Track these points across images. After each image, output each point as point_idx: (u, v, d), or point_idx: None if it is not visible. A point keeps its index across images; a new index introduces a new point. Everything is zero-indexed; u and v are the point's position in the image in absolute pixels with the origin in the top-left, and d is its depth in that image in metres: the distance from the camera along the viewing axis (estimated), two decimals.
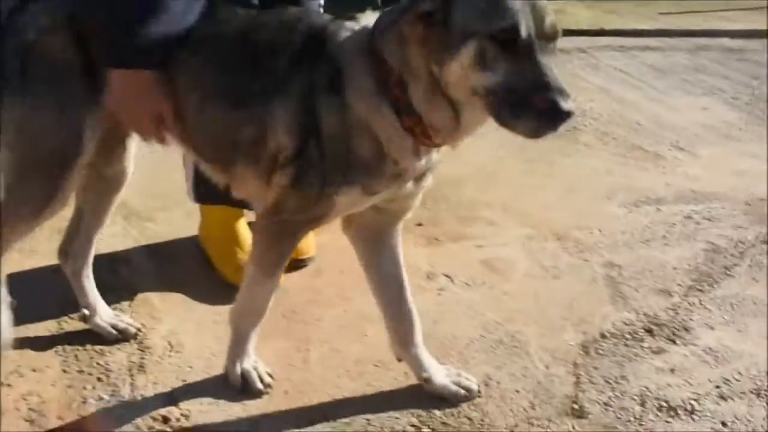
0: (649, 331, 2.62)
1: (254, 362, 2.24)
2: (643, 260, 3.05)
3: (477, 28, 1.66)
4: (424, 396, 2.24)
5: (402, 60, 1.78)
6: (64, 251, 2.45)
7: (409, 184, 1.99)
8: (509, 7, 1.66)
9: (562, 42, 5.52)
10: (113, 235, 2.98)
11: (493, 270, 2.93)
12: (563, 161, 3.97)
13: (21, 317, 2.44)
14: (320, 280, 2.81)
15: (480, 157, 3.94)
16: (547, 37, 1.71)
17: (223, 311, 2.55)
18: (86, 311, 2.45)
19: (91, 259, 2.46)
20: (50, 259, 2.77)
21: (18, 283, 2.64)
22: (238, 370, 2.21)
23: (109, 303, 2.50)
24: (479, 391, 2.27)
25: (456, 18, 1.69)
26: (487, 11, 1.67)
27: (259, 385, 2.21)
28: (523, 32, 1.65)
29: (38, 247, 2.89)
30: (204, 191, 2.66)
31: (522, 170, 3.84)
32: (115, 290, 2.62)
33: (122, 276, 2.75)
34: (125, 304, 2.60)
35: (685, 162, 4.04)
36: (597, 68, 5.58)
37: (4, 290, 2.22)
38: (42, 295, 2.61)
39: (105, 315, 2.44)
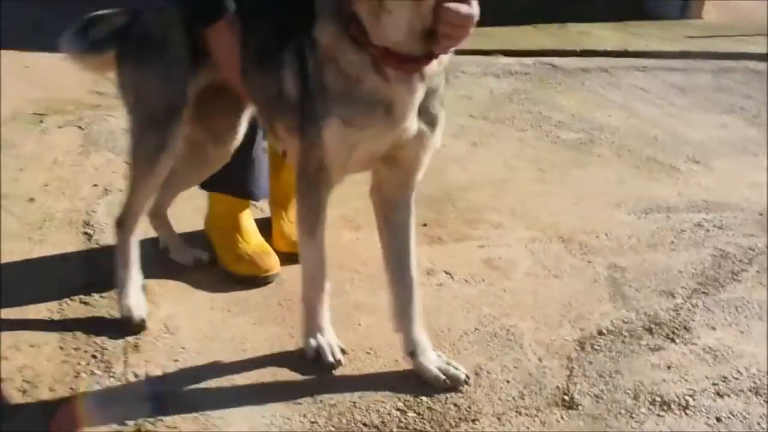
0: (648, 330, 2.61)
1: (330, 337, 2.31)
2: (648, 263, 3.04)
3: None
4: (412, 382, 2.25)
5: None
6: None
7: (404, 125, 2.02)
8: None
9: (584, 62, 5.65)
10: None
11: (494, 268, 2.93)
12: (576, 171, 3.97)
13: (25, 298, 2.54)
14: None
15: (492, 165, 3.98)
16: None
17: (220, 298, 2.62)
18: (164, 244, 2.86)
19: (169, 206, 2.84)
20: (59, 248, 2.87)
21: (26, 267, 2.77)
22: (313, 343, 2.29)
23: (109, 288, 2.57)
24: (466, 382, 2.26)
25: None
26: None
27: (331, 359, 2.27)
28: None
29: (49, 237, 2.99)
30: (211, 180, 2.77)
31: (533, 179, 3.85)
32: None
33: None
34: None
35: (700, 174, 4.02)
36: (618, 86, 5.58)
37: (137, 270, 2.53)
38: (47, 279, 2.68)
39: (182, 246, 2.85)
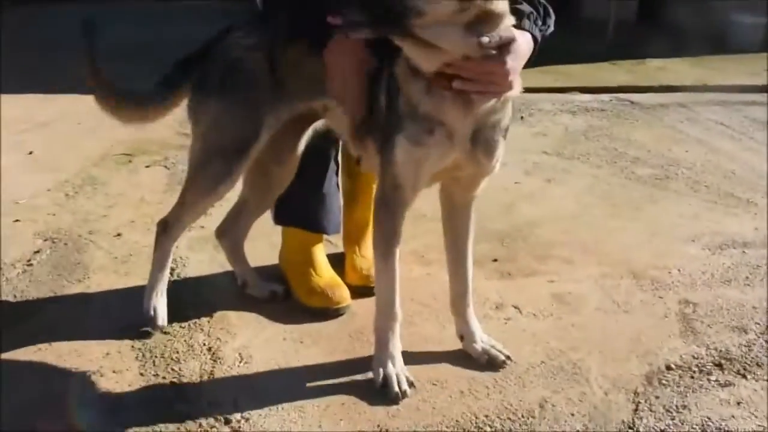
0: (719, 365, 2.57)
1: (399, 368, 2.40)
2: (721, 299, 2.99)
3: None
4: (477, 413, 2.28)
5: None
6: (221, 230, 2.97)
7: (462, 144, 2.19)
8: None
9: (662, 97, 5.63)
10: (201, 261, 3.20)
11: (563, 303, 2.95)
12: (650, 207, 3.95)
13: (111, 327, 2.69)
14: None
15: (565, 201, 3.99)
16: None
17: (293, 330, 2.71)
18: (242, 280, 2.96)
19: (244, 240, 2.98)
20: (142, 280, 3.00)
21: (112, 297, 2.93)
22: (382, 372, 2.38)
23: (189, 318, 2.72)
24: (505, 363, 2.50)
25: None
26: None
27: (396, 389, 2.35)
28: None
29: (134, 270, 3.15)
30: (283, 214, 2.90)
31: (606, 215, 3.84)
32: (197, 307, 2.81)
33: (204, 296, 2.94)
34: (204, 320, 2.77)
35: None
36: (696, 121, 5.52)
37: (167, 274, 2.76)
38: (132, 309, 2.81)
39: (257, 281, 2.95)
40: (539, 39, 2.27)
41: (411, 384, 2.38)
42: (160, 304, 2.69)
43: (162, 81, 2.61)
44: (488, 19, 2.03)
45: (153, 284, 2.71)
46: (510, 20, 2.12)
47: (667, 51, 7.38)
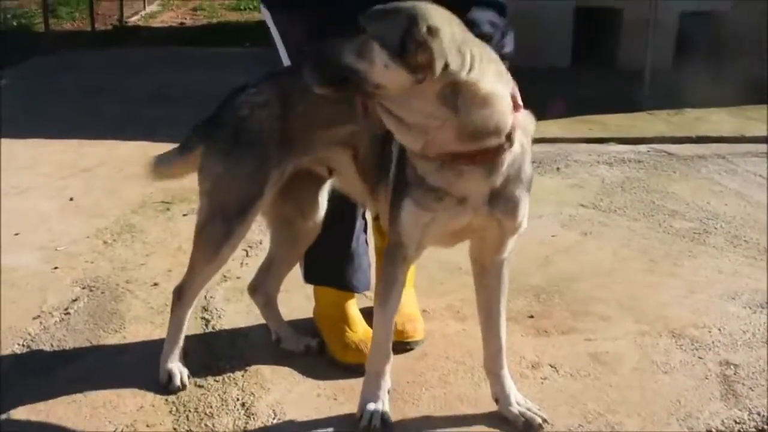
0: (762, 431, 2.51)
1: (382, 409, 2.43)
2: (763, 361, 2.93)
3: None
4: None
5: None
6: (253, 286, 2.97)
7: (478, 209, 2.15)
8: None
9: (700, 148, 5.56)
10: (237, 312, 3.21)
11: (601, 363, 2.90)
12: (688, 262, 3.89)
13: (144, 379, 2.70)
14: (424, 364, 2.87)
15: (601, 255, 3.95)
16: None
17: (327, 386, 2.70)
18: (276, 335, 2.95)
19: (276, 295, 2.98)
20: None
21: (147, 348, 2.94)
22: (370, 407, 2.42)
23: (224, 371, 2.73)
24: (542, 426, 2.44)
25: None
26: None
27: (368, 425, 2.39)
28: None
29: (166, 322, 3.14)
30: (312, 273, 2.93)
31: (643, 269, 3.79)
32: (231, 360, 2.82)
33: (239, 348, 2.95)
34: (238, 373, 2.77)
35: None
36: (735, 173, 5.46)
37: (182, 339, 2.73)
38: None
39: (292, 336, 2.95)
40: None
41: (387, 424, 2.41)
42: (175, 367, 2.68)
43: (181, 143, 2.68)
44: (464, 89, 1.95)
45: (167, 350, 2.70)
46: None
47: (704, 100, 7.32)
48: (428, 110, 1.95)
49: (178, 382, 2.64)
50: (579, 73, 8.49)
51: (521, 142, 2.12)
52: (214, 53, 10.67)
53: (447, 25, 1.93)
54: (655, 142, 6.25)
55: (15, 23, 12.70)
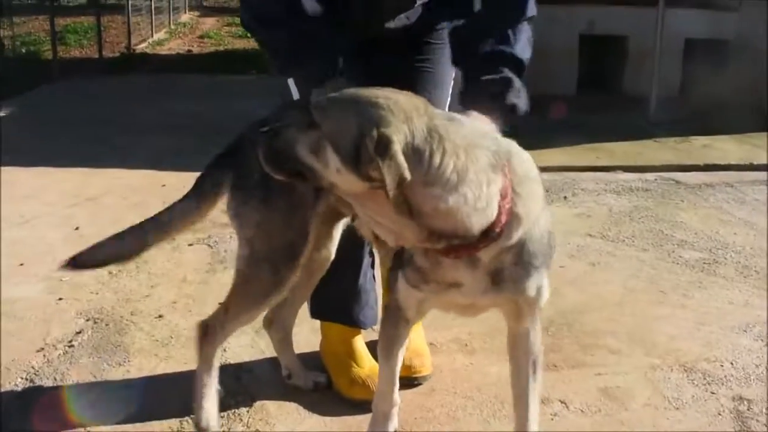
0: None
1: None
2: None
3: None
4: None
5: None
6: (268, 319, 2.88)
7: (477, 292, 1.95)
8: None
9: (708, 176, 5.52)
10: (241, 346, 3.17)
11: (611, 398, 2.86)
12: (698, 293, 3.85)
13: (149, 414, 2.67)
14: (432, 399, 2.83)
15: (609, 287, 3.91)
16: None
17: (333, 422, 2.67)
18: (287, 370, 2.90)
19: (292, 329, 2.91)
20: (182, 365, 3.00)
21: (151, 382, 2.91)
22: None
23: (228, 407, 2.68)
24: None
25: None
26: None
27: None
28: None
29: (174, 354, 3.13)
30: (319, 308, 2.91)
31: (652, 301, 3.75)
32: (236, 395, 2.78)
33: (244, 383, 2.91)
34: (243, 409, 2.74)
35: None
36: (743, 202, 5.42)
37: (216, 381, 2.55)
38: (169, 395, 2.80)
39: (302, 372, 2.89)
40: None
41: None
42: (211, 411, 2.50)
43: (197, 186, 2.56)
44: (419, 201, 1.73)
45: (200, 394, 2.50)
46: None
47: (711, 128, 7.31)
48: (386, 213, 1.75)
49: (214, 429, 2.50)
50: (585, 100, 8.49)
51: (517, 234, 1.86)
52: (221, 81, 10.73)
53: (405, 127, 1.69)
54: (663, 170, 6.23)
55: (23, 50, 12.78)
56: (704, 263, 4.25)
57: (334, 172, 1.73)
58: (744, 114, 7.39)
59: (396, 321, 2.19)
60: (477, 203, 1.74)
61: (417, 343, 2.95)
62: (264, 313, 2.86)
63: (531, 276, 1.96)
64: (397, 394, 2.34)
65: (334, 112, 1.75)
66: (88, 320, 3.45)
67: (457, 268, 1.91)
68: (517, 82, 2.22)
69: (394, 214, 1.73)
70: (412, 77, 2.62)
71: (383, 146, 1.64)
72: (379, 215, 1.79)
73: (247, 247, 2.40)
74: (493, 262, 1.89)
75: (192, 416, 2.66)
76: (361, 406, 2.70)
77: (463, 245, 1.80)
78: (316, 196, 2.32)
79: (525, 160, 1.92)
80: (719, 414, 2.77)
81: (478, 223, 1.76)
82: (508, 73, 2.22)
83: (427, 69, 2.70)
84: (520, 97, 2.21)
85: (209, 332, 2.52)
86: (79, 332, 3.33)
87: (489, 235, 1.79)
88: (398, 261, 2.08)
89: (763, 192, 5.69)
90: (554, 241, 2.04)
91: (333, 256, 2.72)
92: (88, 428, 2.63)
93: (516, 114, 2.19)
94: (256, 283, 2.40)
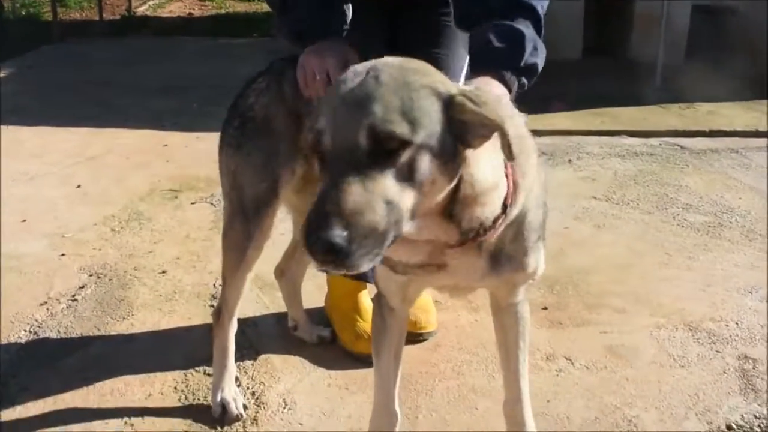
0: None
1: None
2: None
3: None
4: None
5: None
6: (280, 270, 2.91)
7: (472, 274, 1.78)
8: (321, 112, 1.45)
9: (713, 142, 5.44)
10: (246, 301, 3.12)
11: (617, 356, 2.85)
12: (704, 255, 3.83)
13: (153, 367, 2.66)
14: (437, 355, 2.83)
15: (615, 248, 3.89)
16: (364, 145, 1.38)
17: (338, 376, 2.66)
18: (293, 322, 2.92)
19: (301, 281, 2.93)
20: (186, 320, 2.99)
21: (155, 337, 2.91)
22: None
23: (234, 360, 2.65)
24: None
25: None
26: (311, 121, 1.48)
27: None
28: (326, 143, 1.41)
29: (177, 309, 3.13)
30: None
31: (658, 263, 3.73)
32: (241, 349, 2.75)
33: (249, 337, 2.90)
34: (248, 362, 2.74)
35: None
36: (749, 167, 5.38)
37: (233, 362, 2.54)
38: (175, 349, 2.81)
39: (307, 326, 2.91)
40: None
41: None
42: (229, 396, 2.44)
43: None
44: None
45: (217, 380, 2.48)
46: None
47: (717, 95, 7.25)
48: (432, 222, 1.56)
49: (234, 411, 2.41)
50: (590, 66, 8.40)
51: (520, 203, 1.71)
52: (223, 44, 10.62)
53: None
54: (668, 136, 6.18)
55: (23, 12, 12.64)
56: (709, 226, 4.22)
57: (429, 184, 1.44)
58: (750, 81, 7.33)
59: (381, 311, 2.04)
60: (500, 174, 1.61)
61: (422, 300, 2.94)
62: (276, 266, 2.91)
63: (529, 251, 1.84)
64: (397, 408, 2.15)
65: (419, 108, 1.43)
66: (91, 275, 3.44)
67: (458, 256, 1.70)
68: (531, 35, 1.94)
69: (438, 220, 1.55)
70: (437, 31, 2.55)
71: (473, 96, 1.47)
72: (426, 227, 1.54)
73: (226, 200, 2.42)
74: (496, 242, 1.73)
75: (196, 369, 2.68)
76: (365, 360, 2.67)
77: (478, 234, 1.64)
78: (290, 149, 2.28)
79: (515, 115, 1.76)
80: (724, 372, 2.76)
81: (500, 200, 1.63)
82: (521, 24, 1.95)
83: (449, 23, 2.62)
84: (537, 55, 1.94)
85: (219, 314, 2.50)
86: (83, 287, 3.32)
87: (503, 211, 1.64)
88: None
89: None
90: (547, 209, 1.92)
91: None
92: (95, 382, 2.61)
93: (533, 74, 1.94)
94: (232, 236, 2.38)
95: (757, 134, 6.27)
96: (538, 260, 1.88)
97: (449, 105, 1.46)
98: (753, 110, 6.98)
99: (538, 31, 1.97)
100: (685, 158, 5.60)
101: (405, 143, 1.38)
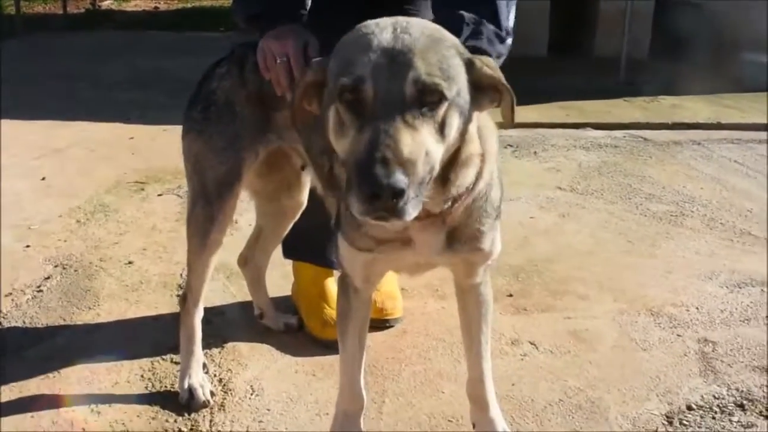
0: (740, 406, 2.51)
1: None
2: (740, 338, 2.93)
3: (331, 89, 1.54)
4: None
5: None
6: (244, 258, 2.91)
7: (431, 251, 1.83)
8: (356, 61, 1.48)
9: (676, 134, 5.53)
10: (213, 291, 3.15)
11: (580, 340, 2.89)
12: (666, 244, 3.90)
13: (120, 356, 2.67)
14: (403, 341, 2.85)
15: (579, 237, 3.94)
16: (409, 96, 1.45)
17: (305, 362, 2.67)
18: (259, 309, 2.92)
19: (265, 269, 2.92)
20: (152, 309, 2.99)
21: (122, 326, 2.90)
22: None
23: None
24: None
25: (328, 87, 1.58)
26: (336, 73, 1.52)
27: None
28: (368, 91, 1.46)
29: (144, 298, 3.12)
30: (291, 248, 2.90)
31: (621, 251, 3.79)
32: (208, 338, 2.74)
33: (216, 326, 2.90)
34: (215, 350, 2.74)
35: None
36: (710, 159, 5.48)
37: (199, 348, 2.54)
38: (141, 338, 2.80)
39: (273, 313, 2.91)
40: None
41: None
42: (196, 382, 2.44)
43: None
44: None
45: (184, 366, 2.48)
46: None
47: (680, 88, 7.36)
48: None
49: (201, 397, 2.41)
50: (556, 62, 8.50)
51: (488, 175, 1.79)
52: (189, 38, 10.57)
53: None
54: (632, 128, 6.27)
55: None
56: (671, 215, 4.29)
57: (453, 140, 1.54)
58: (712, 75, 7.45)
59: (346, 292, 2.04)
60: (478, 141, 1.71)
61: (389, 287, 2.96)
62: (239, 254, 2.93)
63: (487, 229, 1.88)
64: (362, 389, 2.16)
65: (452, 66, 1.52)
66: (56, 266, 3.42)
67: (422, 229, 1.77)
68: (473, 20, 1.96)
69: (435, 182, 1.59)
70: None
71: (486, 61, 1.61)
72: None
73: (189, 184, 2.44)
74: (459, 218, 1.79)
75: (163, 358, 2.68)
76: (332, 347, 2.66)
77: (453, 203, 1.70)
78: (252, 133, 2.32)
79: None
80: (685, 355, 2.81)
81: (476, 168, 1.71)
82: (470, 12, 1.97)
83: (413, 11, 2.65)
84: (480, 40, 1.93)
85: (185, 300, 2.51)
86: (48, 278, 3.30)
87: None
88: (337, 224, 1.94)
89: (730, 149, 5.75)
90: (504, 190, 1.97)
91: (305, 202, 2.72)
92: (60, 370, 2.60)
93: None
94: (194, 221, 2.39)
95: (718, 126, 6.39)
96: (494, 240, 1.94)
97: (470, 67, 1.57)
98: (715, 103, 7.10)
99: (495, 23, 1.99)
100: (648, 150, 5.69)
101: (443, 98, 1.47)
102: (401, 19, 1.56)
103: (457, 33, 1.85)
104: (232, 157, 2.32)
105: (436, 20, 1.89)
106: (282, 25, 2.17)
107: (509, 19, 2.03)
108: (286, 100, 2.11)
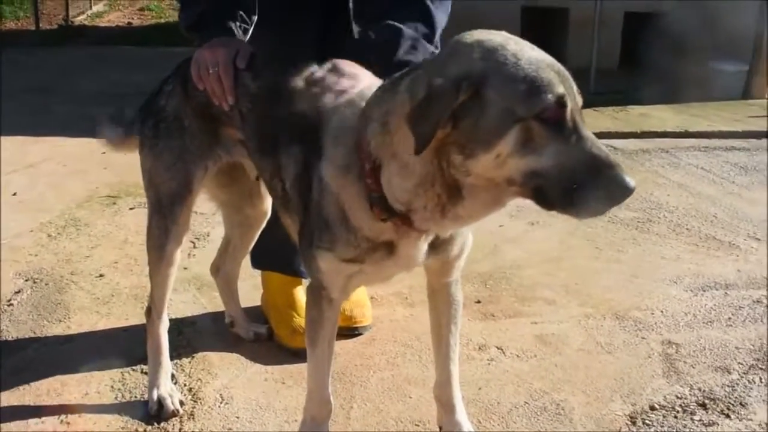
0: (702, 405, 2.56)
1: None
2: (703, 340, 3.00)
3: (519, 111, 1.53)
4: None
5: (389, 150, 1.70)
6: (215, 266, 2.94)
7: (415, 258, 1.90)
8: (550, 82, 1.55)
9: (645, 143, 5.63)
10: (184, 302, 3.19)
11: (546, 344, 2.94)
12: (632, 249, 3.97)
13: (90, 367, 2.67)
14: (372, 348, 2.88)
15: (548, 244, 4.00)
16: (581, 106, 1.62)
17: (274, 370, 2.70)
18: (230, 318, 2.95)
19: (236, 277, 2.95)
20: (123, 321, 3.01)
21: (93, 338, 2.91)
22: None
23: (171, 359, 2.65)
24: None
25: (491, 107, 1.55)
26: (528, 92, 1.54)
27: None
28: (569, 105, 1.56)
29: (114, 311, 3.14)
30: (260, 258, 2.94)
31: (589, 256, 3.86)
32: (178, 348, 2.78)
33: (186, 336, 2.92)
34: (185, 360, 2.76)
35: (760, 251, 3.96)
36: (677, 166, 5.58)
37: (167, 358, 2.56)
38: (112, 350, 2.81)
39: (244, 322, 2.94)
40: None
41: None
42: (165, 392, 2.45)
43: (126, 124, 2.60)
44: None
45: (153, 376, 2.50)
46: None
47: (649, 98, 7.49)
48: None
49: (170, 407, 2.42)
50: None
51: None
52: (163, 53, 10.54)
53: None
54: (601, 137, 6.12)
55: None
56: (638, 222, 4.37)
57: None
58: (681, 85, 7.57)
59: (318, 301, 2.04)
60: None
61: (358, 295, 2.99)
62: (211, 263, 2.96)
63: (459, 235, 1.97)
64: (330, 395, 2.18)
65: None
66: (27, 280, 3.42)
67: (408, 244, 1.84)
68: (411, 35, 2.04)
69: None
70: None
71: None
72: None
73: (147, 197, 2.47)
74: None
75: (134, 369, 2.69)
76: (301, 355, 2.68)
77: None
78: (200, 148, 2.33)
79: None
80: (649, 357, 2.87)
81: None
82: (409, 26, 2.04)
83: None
84: (415, 54, 1.99)
85: (150, 311, 2.54)
86: (18, 291, 3.30)
87: None
88: (308, 239, 1.94)
89: (697, 157, 5.86)
90: None
91: (269, 212, 2.74)
92: (31, 383, 2.61)
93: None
94: (151, 234, 2.43)
95: (686, 135, 6.50)
96: (464, 243, 2.04)
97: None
98: (683, 112, 7.23)
99: (432, 34, 2.08)
100: (617, 158, 5.74)
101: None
102: (510, 36, 1.68)
103: (394, 47, 1.91)
104: (182, 170, 2.35)
105: (373, 32, 1.97)
106: (219, 38, 2.23)
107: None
108: (229, 115, 2.20)
